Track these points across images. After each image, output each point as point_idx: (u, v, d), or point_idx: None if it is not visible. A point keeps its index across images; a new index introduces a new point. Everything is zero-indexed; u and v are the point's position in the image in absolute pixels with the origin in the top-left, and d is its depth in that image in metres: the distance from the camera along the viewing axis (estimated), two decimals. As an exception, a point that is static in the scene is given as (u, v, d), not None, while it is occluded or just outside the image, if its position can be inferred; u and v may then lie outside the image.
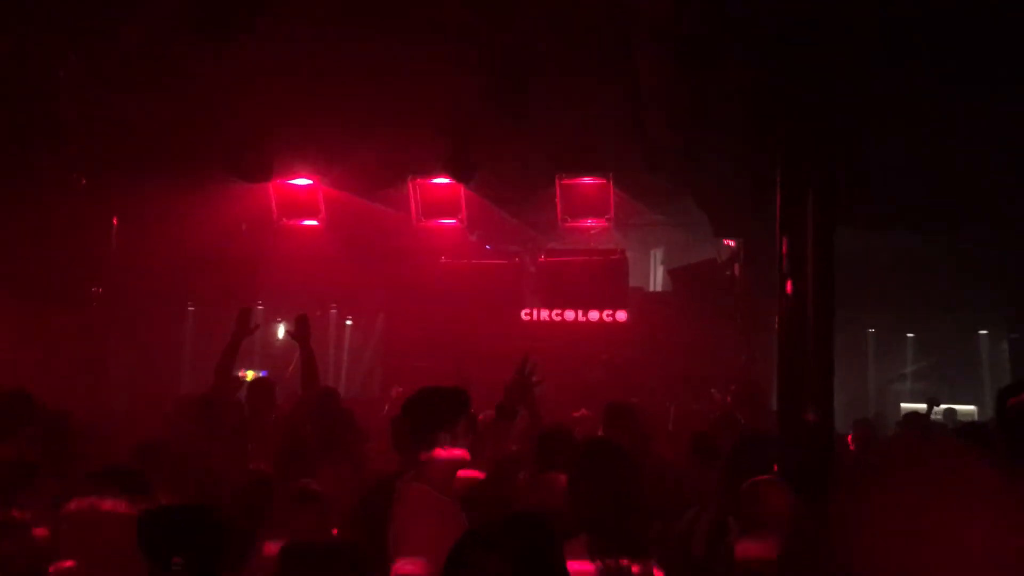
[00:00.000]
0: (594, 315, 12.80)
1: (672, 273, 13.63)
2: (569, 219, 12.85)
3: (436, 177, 12.72)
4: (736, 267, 12.67)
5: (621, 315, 12.78)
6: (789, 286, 5.37)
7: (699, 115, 7.80)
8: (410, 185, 12.97)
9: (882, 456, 0.97)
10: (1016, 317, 14.01)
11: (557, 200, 12.65)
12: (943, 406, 10.85)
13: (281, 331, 16.46)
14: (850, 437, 8.44)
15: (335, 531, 4.11)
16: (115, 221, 12.42)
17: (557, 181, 12.54)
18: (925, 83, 6.88)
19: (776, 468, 4.24)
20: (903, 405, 14.53)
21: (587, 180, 12.62)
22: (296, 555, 2.98)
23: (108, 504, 2.98)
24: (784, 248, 5.37)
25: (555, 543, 2.00)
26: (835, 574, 0.88)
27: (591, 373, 10.85)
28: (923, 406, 9.54)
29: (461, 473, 3.72)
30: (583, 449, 3.88)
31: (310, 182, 13.06)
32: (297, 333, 6.61)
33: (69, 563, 2.95)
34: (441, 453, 3.59)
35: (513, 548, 1.89)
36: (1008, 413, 3.67)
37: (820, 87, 5.09)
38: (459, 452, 3.61)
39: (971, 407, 13.08)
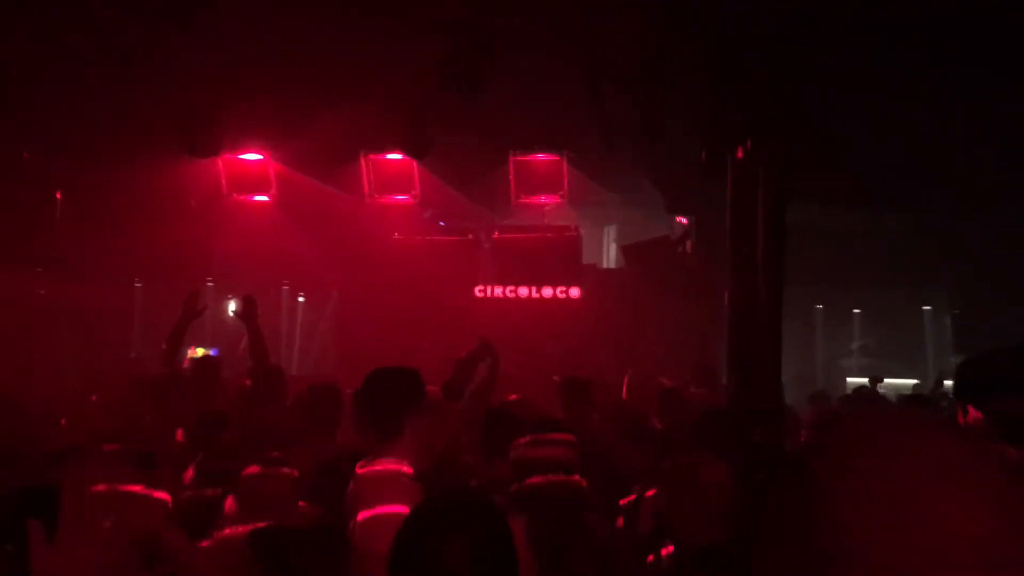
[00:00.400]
0: (547, 291, 12.84)
1: (625, 250, 13.71)
2: (523, 196, 12.85)
3: (389, 153, 12.62)
4: (688, 244, 12.79)
5: (574, 291, 12.84)
6: (739, 261, 5.44)
7: (653, 92, 7.83)
8: (363, 161, 12.85)
9: (851, 431, 0.95)
10: (959, 293, 14.36)
11: (511, 177, 12.64)
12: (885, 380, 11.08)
13: (232, 308, 16.28)
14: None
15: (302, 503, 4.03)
16: (58, 196, 12.15)
17: (511, 158, 12.52)
18: (878, 58, 6.97)
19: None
20: (849, 380, 14.84)
21: (541, 157, 12.62)
22: (267, 538, 2.92)
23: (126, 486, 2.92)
24: (734, 223, 5.43)
25: (507, 525, 1.98)
26: (813, 557, 0.87)
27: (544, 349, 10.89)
28: (866, 380, 9.75)
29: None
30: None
31: (260, 157, 12.87)
32: (244, 313, 6.48)
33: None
34: (409, 436, 3.44)
35: (471, 530, 1.86)
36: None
37: (772, 62, 5.14)
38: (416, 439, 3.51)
39: (911, 381, 13.39)
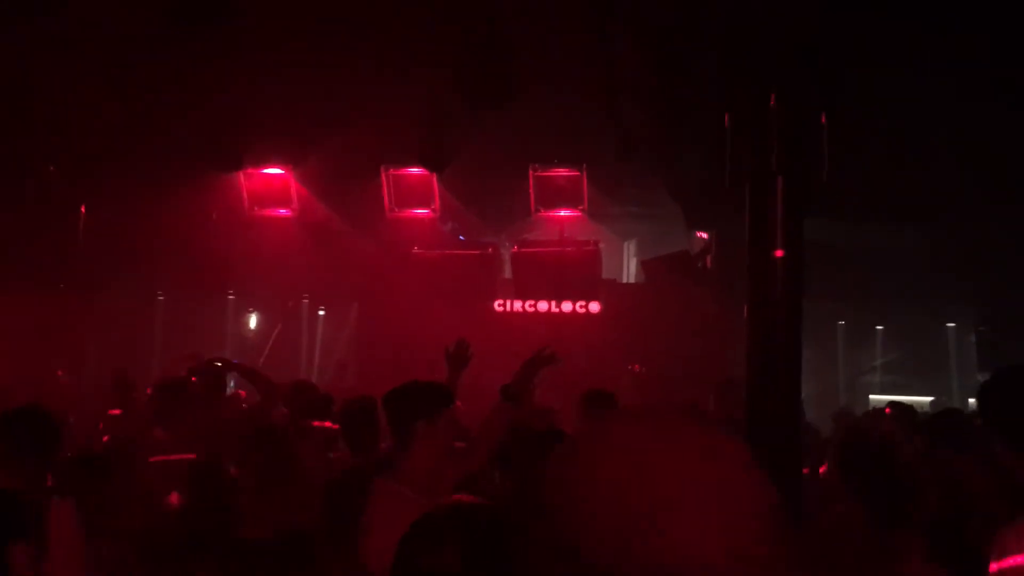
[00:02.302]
0: (567, 306, 12.81)
1: (645, 264, 13.67)
2: (542, 209, 12.85)
3: (409, 167, 12.67)
4: (708, 259, 12.73)
5: (594, 306, 12.81)
6: (757, 275, 5.40)
7: (673, 106, 7.82)
8: (383, 175, 12.91)
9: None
10: (984, 310, 14.20)
11: (530, 191, 12.65)
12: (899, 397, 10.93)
13: (253, 321, 16.38)
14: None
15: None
16: (83, 209, 12.29)
17: (530, 172, 12.53)
18: (898, 75, 6.94)
19: None
20: (872, 397, 14.68)
21: (560, 171, 12.62)
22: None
23: None
24: (753, 238, 5.39)
25: (509, 532, 1.97)
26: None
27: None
28: (891, 398, 9.61)
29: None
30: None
31: (282, 172, 12.96)
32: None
33: None
34: (421, 449, 3.46)
35: (462, 538, 1.86)
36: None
37: (791, 79, 5.12)
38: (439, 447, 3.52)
39: (926, 398, 13.24)
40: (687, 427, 0.99)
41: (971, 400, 11.24)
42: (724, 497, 0.91)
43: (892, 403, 8.93)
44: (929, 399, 13.16)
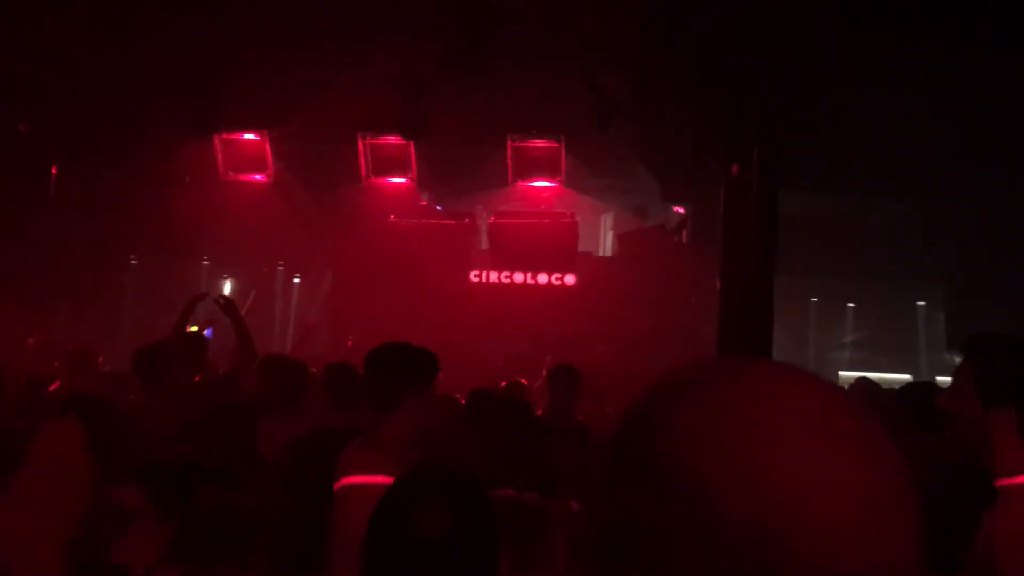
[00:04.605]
0: (543, 278, 12.83)
1: (620, 238, 13.70)
2: (519, 180, 12.82)
3: (386, 134, 12.59)
4: (684, 233, 12.78)
5: (570, 279, 12.83)
6: (730, 249, 5.44)
7: (646, 74, 7.81)
8: (360, 142, 12.82)
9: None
10: (953, 289, 14.37)
11: (508, 161, 12.61)
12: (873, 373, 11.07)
13: (227, 287, 16.27)
14: None
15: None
16: (54, 171, 12.11)
17: (508, 142, 12.49)
18: (871, 48, 6.94)
19: None
20: (841, 374, 14.86)
21: (539, 142, 12.59)
22: None
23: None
24: (727, 212, 5.43)
25: (485, 499, 1.99)
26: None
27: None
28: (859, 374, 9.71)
29: None
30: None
31: (257, 137, 12.83)
32: (228, 312, 6.52)
33: None
34: (404, 416, 3.32)
35: (445, 498, 1.88)
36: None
37: (765, 52, 5.13)
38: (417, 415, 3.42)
39: (905, 376, 13.40)
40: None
41: (940, 378, 11.40)
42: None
43: (859, 378, 9.05)
44: (907, 377, 13.32)
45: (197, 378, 5.96)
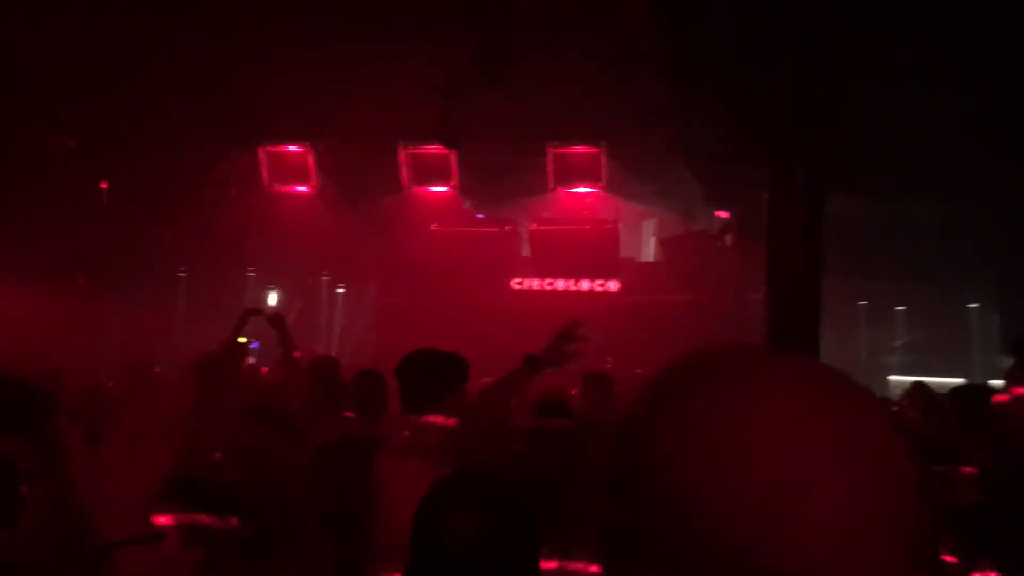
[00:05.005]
0: (585, 284, 12.79)
1: (663, 243, 13.61)
2: (560, 186, 12.80)
3: (427, 144, 12.66)
4: (728, 238, 12.66)
5: (612, 284, 12.77)
6: (776, 254, 5.37)
7: (688, 80, 7.76)
8: (401, 152, 12.91)
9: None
10: (1007, 291, 14.06)
11: (548, 168, 12.61)
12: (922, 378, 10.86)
13: (273, 298, 16.45)
14: None
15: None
16: (104, 186, 12.37)
17: (548, 150, 12.48)
18: (919, 50, 6.84)
19: None
20: (891, 378, 14.59)
21: (579, 148, 12.57)
22: None
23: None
24: (771, 215, 5.36)
25: (527, 497, 2.00)
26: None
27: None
28: (912, 379, 9.54)
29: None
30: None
31: (301, 149, 12.99)
32: (274, 325, 6.67)
33: None
34: (435, 420, 3.36)
35: (482, 502, 1.88)
36: None
37: (811, 52, 5.06)
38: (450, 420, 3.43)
39: (958, 380, 13.10)
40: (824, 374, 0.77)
41: (993, 382, 11.15)
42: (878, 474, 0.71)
43: (914, 383, 8.91)
44: (961, 381, 13.00)
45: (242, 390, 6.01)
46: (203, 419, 5.00)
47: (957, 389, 5.60)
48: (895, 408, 5.98)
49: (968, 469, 4.09)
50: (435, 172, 12.97)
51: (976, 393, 5.30)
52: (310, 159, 13.00)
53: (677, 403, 0.76)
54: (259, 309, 7.78)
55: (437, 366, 3.50)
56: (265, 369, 8.84)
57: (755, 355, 0.80)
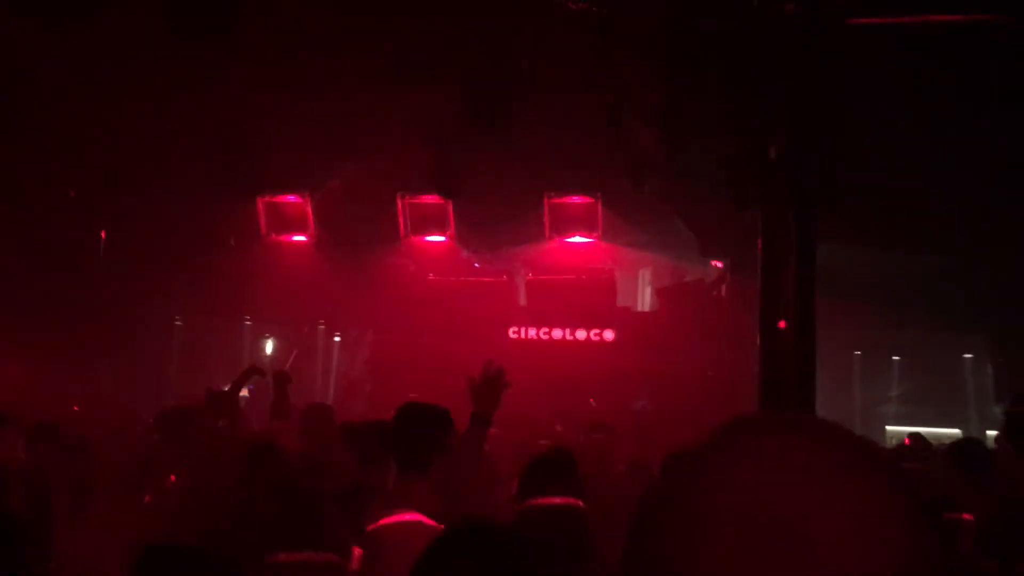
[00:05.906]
0: (581, 334, 12.79)
1: (659, 292, 13.65)
2: (556, 236, 12.88)
3: (424, 194, 12.76)
4: (723, 288, 12.71)
5: (608, 334, 12.78)
6: (769, 304, 5.40)
7: (682, 132, 7.87)
8: (399, 202, 13.00)
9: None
10: (1001, 341, 14.09)
11: (545, 218, 12.70)
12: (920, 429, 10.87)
13: (269, 347, 16.44)
14: None
15: None
16: (103, 235, 12.42)
17: (545, 200, 12.58)
18: (909, 100, 6.95)
19: None
20: (888, 428, 14.55)
21: (575, 198, 12.67)
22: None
23: None
24: (764, 265, 5.40)
25: (524, 551, 1.98)
26: None
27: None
28: (909, 429, 9.55)
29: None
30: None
31: (299, 199, 13.09)
32: (277, 384, 6.91)
33: None
34: (435, 475, 3.40)
35: (479, 557, 1.87)
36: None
37: (801, 104, 5.14)
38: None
39: (954, 431, 13.07)
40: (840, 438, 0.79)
41: (989, 432, 11.12)
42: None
43: (911, 436, 8.92)
44: (956, 432, 12.99)
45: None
46: (179, 477, 4.96)
47: (955, 444, 5.62)
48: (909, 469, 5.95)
49: (968, 516, 4.09)
50: (432, 222, 13.06)
51: (973, 448, 5.30)
52: (308, 209, 13.09)
53: (699, 492, 0.77)
54: (261, 369, 7.84)
55: (433, 426, 3.55)
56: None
57: (789, 426, 0.80)
